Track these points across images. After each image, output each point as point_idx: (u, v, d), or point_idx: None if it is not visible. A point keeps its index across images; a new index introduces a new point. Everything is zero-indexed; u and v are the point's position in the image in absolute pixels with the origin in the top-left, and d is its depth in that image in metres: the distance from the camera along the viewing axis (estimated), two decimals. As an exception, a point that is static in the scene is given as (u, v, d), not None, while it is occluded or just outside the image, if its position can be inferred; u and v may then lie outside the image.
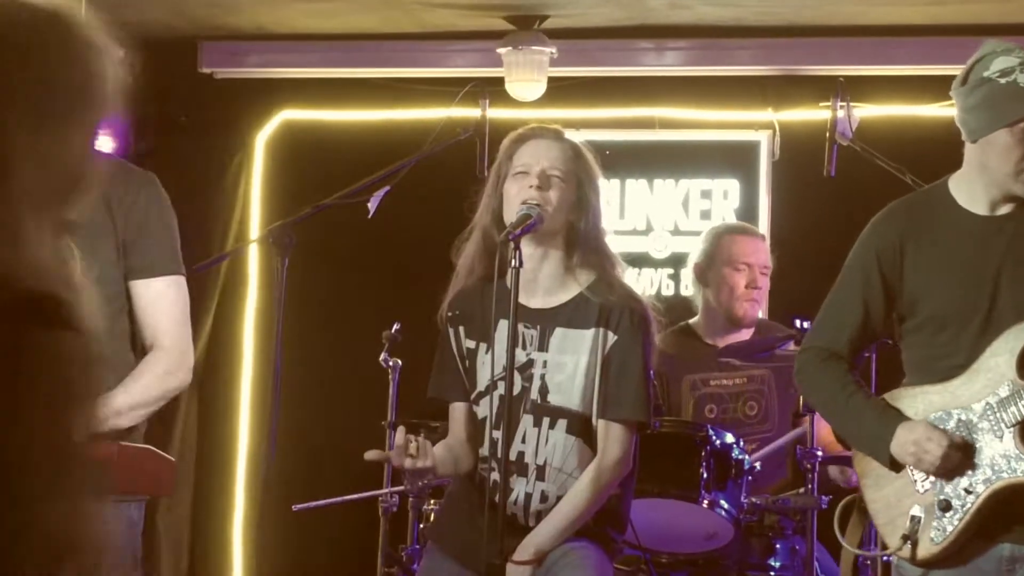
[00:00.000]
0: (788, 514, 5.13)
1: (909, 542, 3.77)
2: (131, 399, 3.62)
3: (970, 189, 3.87)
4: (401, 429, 3.84)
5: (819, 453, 5.00)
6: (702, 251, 5.66)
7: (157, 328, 3.70)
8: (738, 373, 5.54)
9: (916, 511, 3.79)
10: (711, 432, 4.95)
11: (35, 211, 1.68)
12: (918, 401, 3.83)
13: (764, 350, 5.35)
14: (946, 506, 3.75)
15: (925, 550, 3.77)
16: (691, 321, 5.70)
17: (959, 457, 3.73)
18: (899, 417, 3.81)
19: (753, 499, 4.98)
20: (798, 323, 5.11)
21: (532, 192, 3.92)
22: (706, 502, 4.88)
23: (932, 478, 3.79)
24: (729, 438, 4.99)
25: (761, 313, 5.84)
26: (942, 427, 3.77)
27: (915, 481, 3.81)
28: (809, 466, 5.00)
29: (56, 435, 1.61)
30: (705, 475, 4.90)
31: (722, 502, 4.91)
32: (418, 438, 3.82)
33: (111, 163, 3.86)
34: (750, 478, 5.01)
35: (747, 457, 5.02)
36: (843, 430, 4.04)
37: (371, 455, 3.86)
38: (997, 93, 3.74)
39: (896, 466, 3.82)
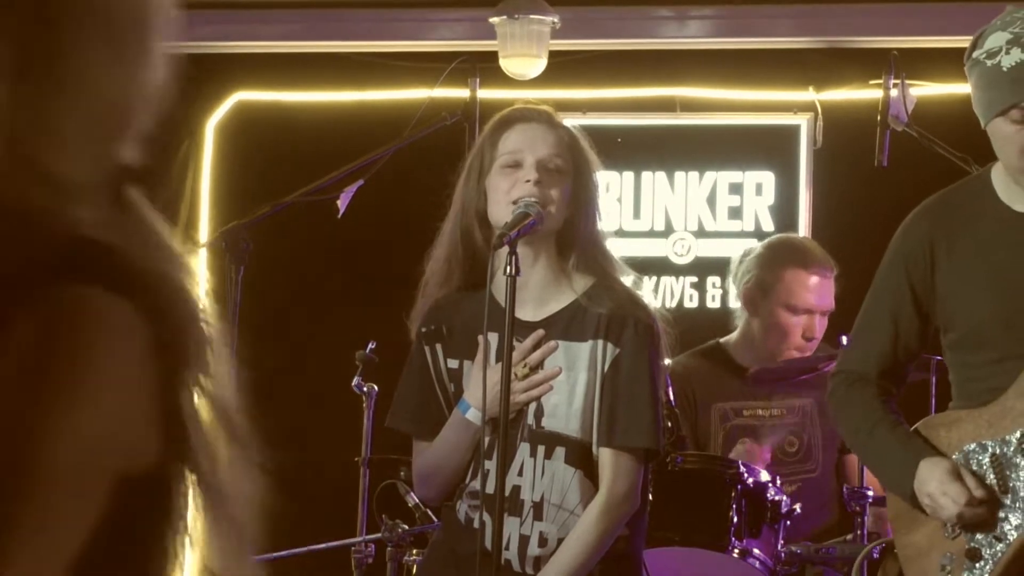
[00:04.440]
0: (834, 564, 5.15)
1: None
2: None
3: (1005, 179, 3.85)
4: None
5: (870, 493, 5.05)
6: (756, 276, 5.54)
7: None
8: (776, 403, 5.56)
9: (945, 560, 3.75)
10: (742, 469, 4.98)
11: (86, 143, 1.71)
12: (952, 431, 3.80)
13: (803, 372, 5.38)
14: (975, 555, 3.71)
15: None
16: (723, 340, 5.70)
17: (982, 510, 3.69)
18: (924, 450, 3.78)
19: (792, 547, 5.02)
20: (845, 341, 5.15)
21: (529, 188, 3.93)
22: (737, 551, 4.92)
23: None
24: (764, 476, 5.03)
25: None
26: (973, 464, 3.74)
27: (945, 524, 3.76)
28: (858, 508, 5.02)
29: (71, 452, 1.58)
30: (736, 519, 4.93)
31: (755, 551, 4.94)
32: None
33: None
34: (788, 523, 5.05)
35: (785, 498, 5.06)
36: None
37: None
38: (984, 78, 3.79)
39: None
